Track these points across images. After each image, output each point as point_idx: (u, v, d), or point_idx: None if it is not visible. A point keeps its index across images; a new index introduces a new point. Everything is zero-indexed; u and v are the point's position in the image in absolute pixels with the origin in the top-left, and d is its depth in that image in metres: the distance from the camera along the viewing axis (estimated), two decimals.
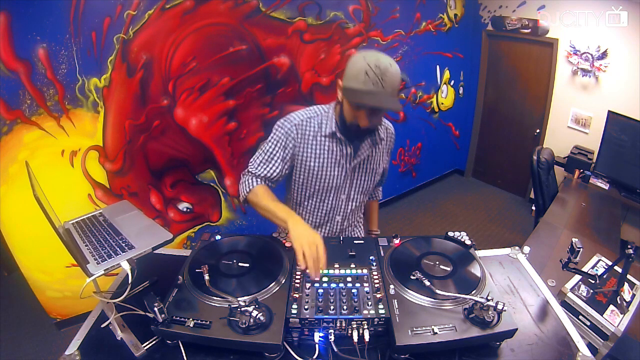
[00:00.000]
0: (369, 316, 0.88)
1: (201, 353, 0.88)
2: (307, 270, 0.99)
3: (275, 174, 1.26)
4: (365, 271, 1.03)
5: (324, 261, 1.01)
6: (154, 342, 0.91)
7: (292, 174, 1.32)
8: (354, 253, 1.10)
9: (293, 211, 1.17)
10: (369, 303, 0.91)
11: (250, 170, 1.28)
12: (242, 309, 0.83)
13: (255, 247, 1.12)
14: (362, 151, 1.26)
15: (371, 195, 1.56)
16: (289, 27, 2.58)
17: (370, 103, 1.05)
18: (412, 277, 0.96)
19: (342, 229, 1.43)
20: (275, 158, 1.25)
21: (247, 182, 1.27)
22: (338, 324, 0.88)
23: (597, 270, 1.54)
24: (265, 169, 1.26)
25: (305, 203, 1.36)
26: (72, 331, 0.99)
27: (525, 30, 3.41)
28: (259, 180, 1.27)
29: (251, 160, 1.29)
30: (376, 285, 0.97)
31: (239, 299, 0.89)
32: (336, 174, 1.27)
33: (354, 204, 1.37)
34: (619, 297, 1.42)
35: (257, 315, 0.83)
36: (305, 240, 1.02)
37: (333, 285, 0.97)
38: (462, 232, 1.17)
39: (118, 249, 0.91)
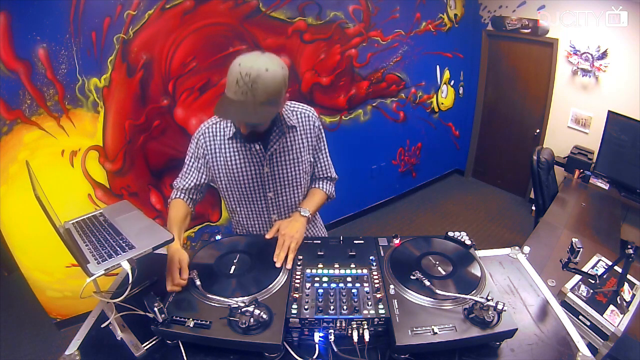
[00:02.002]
0: (369, 316, 0.88)
1: (201, 353, 0.88)
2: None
3: (192, 184, 1.29)
4: (365, 271, 1.03)
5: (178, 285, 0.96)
6: (154, 342, 0.91)
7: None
8: (354, 253, 1.10)
9: (176, 235, 1.04)
10: (369, 303, 0.91)
11: (173, 183, 1.33)
12: (242, 309, 0.83)
13: (256, 247, 1.12)
14: (272, 143, 1.23)
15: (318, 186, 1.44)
16: (289, 27, 2.58)
17: (232, 117, 1.06)
18: (412, 277, 0.96)
19: None
20: (192, 169, 1.29)
21: (171, 195, 1.34)
22: (338, 324, 0.88)
23: (597, 270, 1.54)
24: (182, 181, 1.30)
25: (238, 209, 1.35)
26: (72, 331, 0.99)
27: (525, 30, 3.41)
28: (178, 193, 1.31)
29: None
30: (376, 285, 0.97)
31: (238, 299, 0.90)
32: (254, 173, 1.26)
33: (285, 199, 1.33)
34: (619, 297, 1.42)
35: (257, 315, 0.83)
36: (168, 261, 1.00)
37: (333, 285, 0.97)
38: (462, 232, 1.17)
39: (118, 248, 0.91)
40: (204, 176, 1.30)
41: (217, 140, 1.24)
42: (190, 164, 1.29)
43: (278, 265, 1.04)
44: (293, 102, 1.30)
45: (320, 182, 1.41)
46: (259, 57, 1.00)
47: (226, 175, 1.27)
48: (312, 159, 1.34)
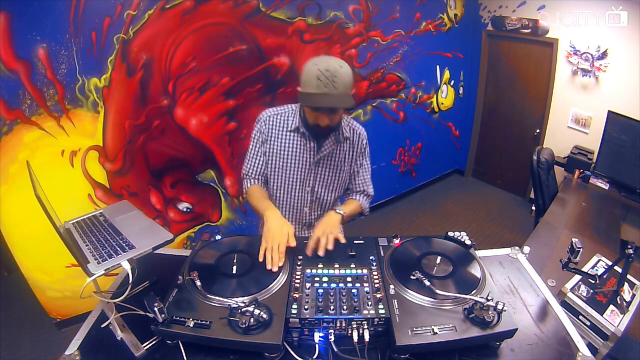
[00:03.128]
0: (369, 316, 0.88)
1: (201, 353, 0.88)
2: (266, 264, 1.04)
3: (263, 168, 1.40)
4: (365, 271, 1.03)
5: (282, 258, 1.05)
6: (154, 342, 0.91)
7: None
8: (354, 253, 1.10)
9: (273, 205, 1.27)
10: (369, 303, 0.91)
11: (242, 172, 1.44)
12: (242, 309, 0.83)
13: (256, 247, 1.12)
14: (326, 147, 1.35)
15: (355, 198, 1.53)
16: (289, 27, 2.58)
17: (324, 104, 1.15)
18: (412, 277, 0.96)
19: (311, 221, 1.49)
20: (258, 154, 1.39)
21: (243, 185, 1.44)
22: (338, 324, 0.88)
23: (597, 270, 1.54)
24: (252, 167, 1.40)
25: (276, 194, 1.44)
26: (72, 331, 0.99)
27: (525, 30, 3.41)
28: (252, 180, 1.42)
29: (244, 161, 1.43)
30: (376, 285, 0.97)
31: (239, 299, 0.90)
32: (300, 166, 1.37)
33: (319, 197, 1.44)
34: (619, 297, 1.42)
35: (257, 315, 0.83)
36: (271, 233, 1.10)
37: (333, 285, 0.97)
38: (462, 232, 1.17)
39: (118, 248, 0.91)
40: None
41: (277, 130, 1.35)
42: (256, 149, 1.39)
43: (321, 253, 1.11)
44: (349, 117, 1.44)
45: (359, 195, 1.51)
46: (329, 58, 1.16)
47: (277, 163, 1.37)
48: (350, 171, 1.47)
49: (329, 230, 1.17)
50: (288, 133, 1.34)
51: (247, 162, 1.41)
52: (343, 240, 1.17)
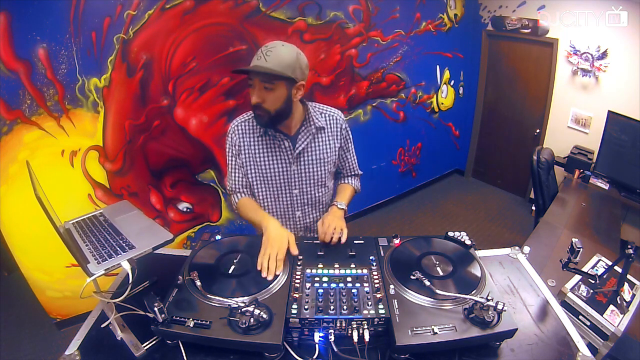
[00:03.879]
0: (369, 316, 0.88)
1: (201, 353, 0.88)
2: (262, 272, 1.02)
3: (243, 180, 1.36)
4: (365, 271, 1.03)
5: (279, 266, 1.03)
6: (154, 342, 0.91)
7: None
8: (354, 253, 1.10)
9: (269, 215, 1.24)
10: (369, 303, 0.91)
11: (227, 189, 1.40)
12: (242, 309, 0.83)
13: (256, 247, 1.12)
14: (301, 141, 1.30)
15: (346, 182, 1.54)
16: (289, 27, 2.58)
17: (244, 68, 1.13)
18: (412, 277, 0.96)
19: (307, 224, 1.46)
20: (236, 168, 1.35)
21: (232, 201, 1.41)
22: (338, 324, 0.88)
23: (597, 270, 1.54)
24: (235, 181, 1.37)
25: (264, 203, 1.40)
26: (72, 331, 0.99)
27: (525, 30, 3.41)
28: (238, 195, 1.38)
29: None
30: (376, 285, 0.97)
31: (239, 299, 0.90)
32: (281, 170, 1.32)
33: (309, 196, 1.40)
34: (619, 297, 1.42)
35: (257, 315, 0.83)
36: (270, 241, 1.08)
37: (333, 285, 0.97)
38: (462, 232, 1.17)
39: (118, 248, 0.91)
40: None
41: (247, 137, 1.31)
42: (233, 163, 1.35)
43: (335, 240, 1.14)
44: (321, 104, 1.38)
45: (348, 179, 1.51)
46: (282, 42, 1.15)
47: (255, 171, 1.33)
48: (337, 159, 1.42)
49: (334, 224, 1.18)
50: (259, 138, 1.30)
51: (229, 178, 1.37)
52: (344, 239, 1.17)
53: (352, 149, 1.46)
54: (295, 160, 1.31)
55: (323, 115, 1.35)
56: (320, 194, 1.41)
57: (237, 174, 1.36)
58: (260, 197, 1.39)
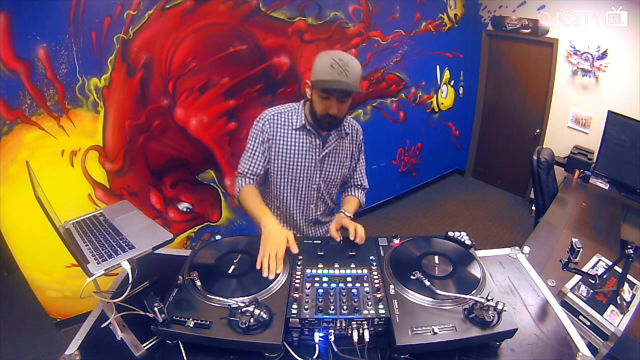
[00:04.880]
0: (369, 316, 0.88)
1: (201, 353, 0.88)
2: (262, 271, 1.02)
3: (260, 168, 1.37)
4: (365, 271, 1.03)
5: (279, 265, 1.04)
6: (154, 342, 0.91)
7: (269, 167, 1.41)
8: (354, 253, 1.10)
9: (269, 211, 1.24)
10: (369, 303, 0.91)
11: (238, 170, 1.40)
12: (243, 309, 0.83)
13: (256, 247, 1.12)
14: (330, 143, 1.37)
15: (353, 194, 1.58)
16: (289, 27, 2.58)
17: (339, 87, 1.16)
18: (412, 277, 0.96)
19: (316, 217, 1.51)
20: (257, 153, 1.36)
21: (237, 183, 1.40)
22: (338, 324, 0.88)
23: (597, 270, 1.54)
24: (250, 166, 1.37)
25: (283, 194, 1.43)
26: (72, 331, 0.99)
27: (525, 30, 3.41)
28: (247, 179, 1.38)
29: (240, 160, 1.40)
30: (376, 285, 0.97)
31: (239, 299, 0.90)
32: (307, 164, 1.37)
33: (325, 193, 1.47)
34: (619, 297, 1.42)
35: (257, 315, 0.83)
36: (269, 240, 1.08)
37: (333, 285, 0.97)
38: (462, 232, 1.17)
39: (118, 248, 0.91)
40: (267, 161, 1.38)
41: (282, 129, 1.34)
42: (255, 147, 1.35)
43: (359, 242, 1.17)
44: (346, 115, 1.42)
45: (355, 190, 1.57)
46: (342, 52, 1.20)
47: (283, 162, 1.36)
48: (351, 166, 1.51)
49: (360, 228, 1.21)
50: (293, 132, 1.33)
51: (245, 161, 1.37)
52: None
53: (362, 160, 1.55)
54: (322, 158, 1.37)
55: (349, 124, 1.43)
56: (334, 192, 1.51)
57: (254, 160, 1.36)
58: (281, 187, 1.42)
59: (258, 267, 1.03)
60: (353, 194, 1.56)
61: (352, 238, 1.18)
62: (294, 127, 1.33)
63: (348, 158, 1.46)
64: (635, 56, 2.75)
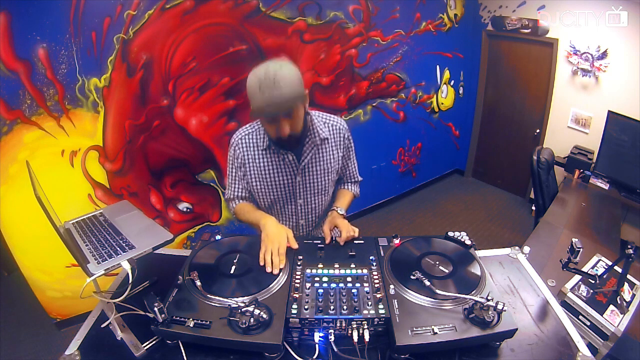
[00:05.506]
0: (369, 316, 0.88)
1: (201, 353, 0.88)
2: (266, 267, 1.02)
3: (244, 192, 1.37)
4: (365, 271, 1.03)
5: (282, 260, 1.04)
6: (154, 342, 0.91)
7: None
8: (354, 253, 1.10)
9: (267, 214, 1.24)
10: (369, 303, 0.91)
11: (226, 197, 1.41)
12: (242, 309, 0.83)
13: (256, 247, 1.12)
14: (305, 154, 1.28)
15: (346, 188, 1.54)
16: (289, 27, 2.58)
17: (273, 111, 1.07)
18: (412, 277, 0.96)
19: (310, 231, 1.47)
20: (237, 179, 1.35)
21: (229, 207, 1.42)
22: (338, 324, 0.88)
23: (597, 270, 1.54)
24: (235, 191, 1.37)
25: (268, 213, 1.38)
26: (72, 331, 0.99)
27: (525, 30, 3.41)
28: (237, 201, 1.38)
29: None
30: (376, 285, 0.97)
31: (239, 299, 0.90)
32: (286, 183, 1.32)
33: (313, 206, 1.40)
34: (619, 297, 1.42)
35: (257, 315, 0.83)
36: (270, 237, 1.08)
37: (333, 285, 0.97)
38: (462, 232, 1.17)
39: (118, 248, 0.91)
40: (248, 183, 1.36)
41: (252, 150, 1.29)
42: (234, 174, 1.35)
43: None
44: (323, 113, 1.35)
45: (348, 185, 1.51)
46: (267, 62, 1.08)
47: (260, 183, 1.32)
48: (339, 168, 1.41)
49: (350, 227, 1.19)
50: (263, 152, 1.27)
51: (229, 187, 1.38)
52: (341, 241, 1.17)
53: (353, 157, 1.45)
54: (301, 172, 1.30)
55: (326, 124, 1.32)
56: (324, 202, 1.42)
57: (237, 185, 1.36)
58: (265, 208, 1.40)
59: (261, 263, 1.03)
60: (346, 187, 1.50)
61: (342, 243, 1.15)
62: (262, 147, 1.27)
63: (333, 163, 1.35)
64: (635, 56, 2.75)
